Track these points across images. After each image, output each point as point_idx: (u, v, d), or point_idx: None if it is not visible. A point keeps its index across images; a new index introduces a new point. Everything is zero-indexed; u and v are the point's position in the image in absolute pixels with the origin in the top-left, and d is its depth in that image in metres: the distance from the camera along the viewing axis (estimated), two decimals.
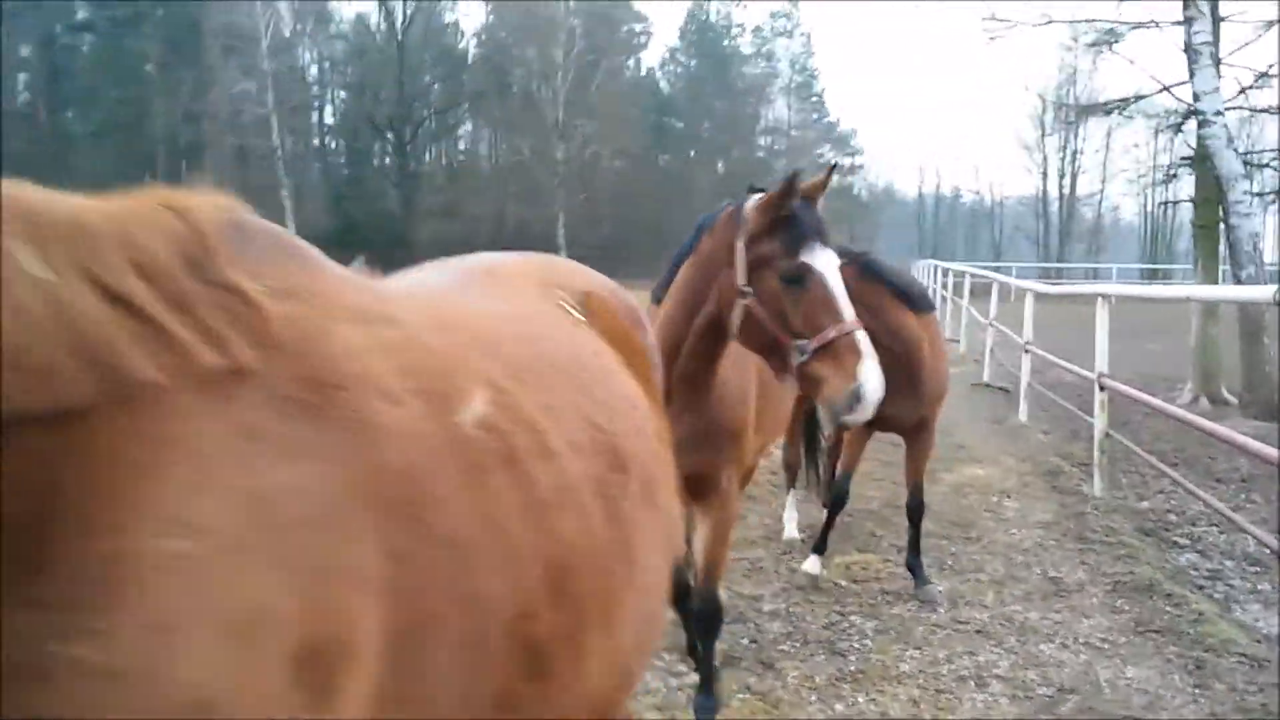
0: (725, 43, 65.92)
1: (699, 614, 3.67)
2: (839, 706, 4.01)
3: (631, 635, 1.65)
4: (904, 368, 4.89)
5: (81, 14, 63.73)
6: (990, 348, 13.63)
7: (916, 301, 5.09)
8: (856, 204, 66.20)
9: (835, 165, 3.73)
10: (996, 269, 33.25)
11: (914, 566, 5.36)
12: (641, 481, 1.69)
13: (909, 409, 5.15)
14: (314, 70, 64.05)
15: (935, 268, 26.01)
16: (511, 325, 1.67)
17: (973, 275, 18.38)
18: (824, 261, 3.02)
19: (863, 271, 4.69)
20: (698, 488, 3.44)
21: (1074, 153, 57.65)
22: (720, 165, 65.97)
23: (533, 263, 2.12)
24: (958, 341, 18.25)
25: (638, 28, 64.73)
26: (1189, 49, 10.65)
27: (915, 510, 5.43)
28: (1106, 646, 4.62)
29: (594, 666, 1.49)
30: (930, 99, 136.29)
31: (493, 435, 1.33)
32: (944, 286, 22.93)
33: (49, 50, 65.03)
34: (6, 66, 67.61)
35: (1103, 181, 58.12)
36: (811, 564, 5.55)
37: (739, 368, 3.48)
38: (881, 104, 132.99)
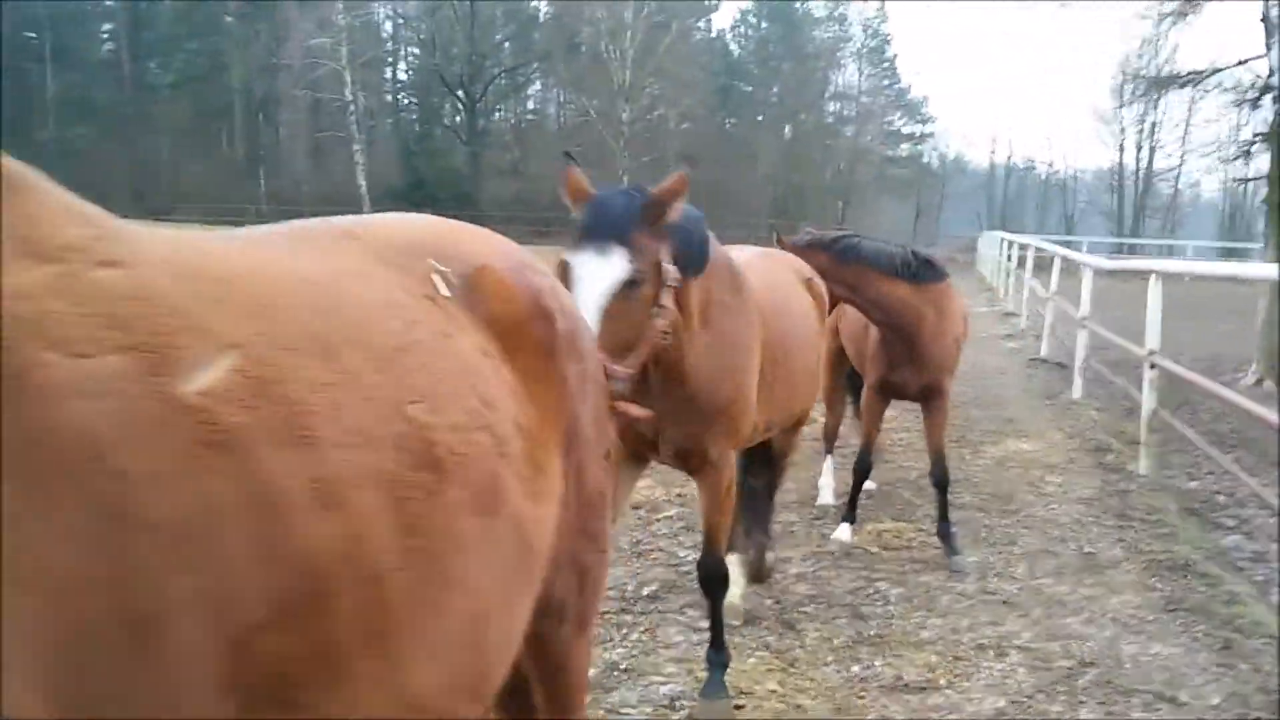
0: (797, 5, 64.82)
1: (703, 579, 3.75)
2: (855, 668, 4.07)
3: (438, 670, 1.39)
4: (901, 337, 5.25)
5: None
6: (1050, 323, 13.39)
7: (913, 272, 5.11)
8: (926, 173, 65.05)
9: (567, 153, 3.55)
10: (1068, 243, 32.49)
11: (945, 535, 5.38)
12: (473, 488, 1.45)
13: (911, 375, 5.38)
14: (388, 26, 64.57)
15: (1001, 240, 25.48)
16: (311, 288, 1.39)
17: (1036, 249, 17.99)
18: (577, 260, 3.02)
19: (838, 255, 5.03)
20: (687, 460, 3.62)
21: (1153, 125, 55.81)
22: (787, 130, 65.19)
23: (416, 226, 1.84)
24: (1018, 316, 17.96)
25: None
26: (1266, 21, 10.28)
27: (940, 479, 5.45)
28: (1134, 622, 4.60)
29: (370, 701, 1.24)
30: (1005, 66, 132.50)
31: (224, 409, 1.10)
32: (1008, 259, 22.50)
33: (132, 0, 66.40)
34: (92, 14, 69.34)
35: (1181, 156, 56.25)
36: (842, 531, 5.61)
37: (730, 346, 3.46)
38: (954, 70, 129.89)
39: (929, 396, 5.52)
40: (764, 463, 4.65)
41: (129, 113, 64.20)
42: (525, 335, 1.75)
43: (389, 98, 67.05)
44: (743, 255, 4.13)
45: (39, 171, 1.19)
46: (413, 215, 1.93)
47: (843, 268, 5.03)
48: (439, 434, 1.41)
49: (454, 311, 1.62)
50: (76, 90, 65.12)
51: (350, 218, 1.80)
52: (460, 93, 57.05)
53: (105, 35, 68.73)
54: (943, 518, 5.42)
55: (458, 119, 60.20)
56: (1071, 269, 14.22)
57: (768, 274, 4.05)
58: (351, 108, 51.74)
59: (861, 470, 5.73)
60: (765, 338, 3.63)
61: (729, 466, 3.60)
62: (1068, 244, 24.18)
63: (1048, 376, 11.97)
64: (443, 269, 1.66)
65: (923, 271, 5.19)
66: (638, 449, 3.60)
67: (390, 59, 66.82)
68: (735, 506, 4.59)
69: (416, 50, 64.20)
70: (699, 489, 3.77)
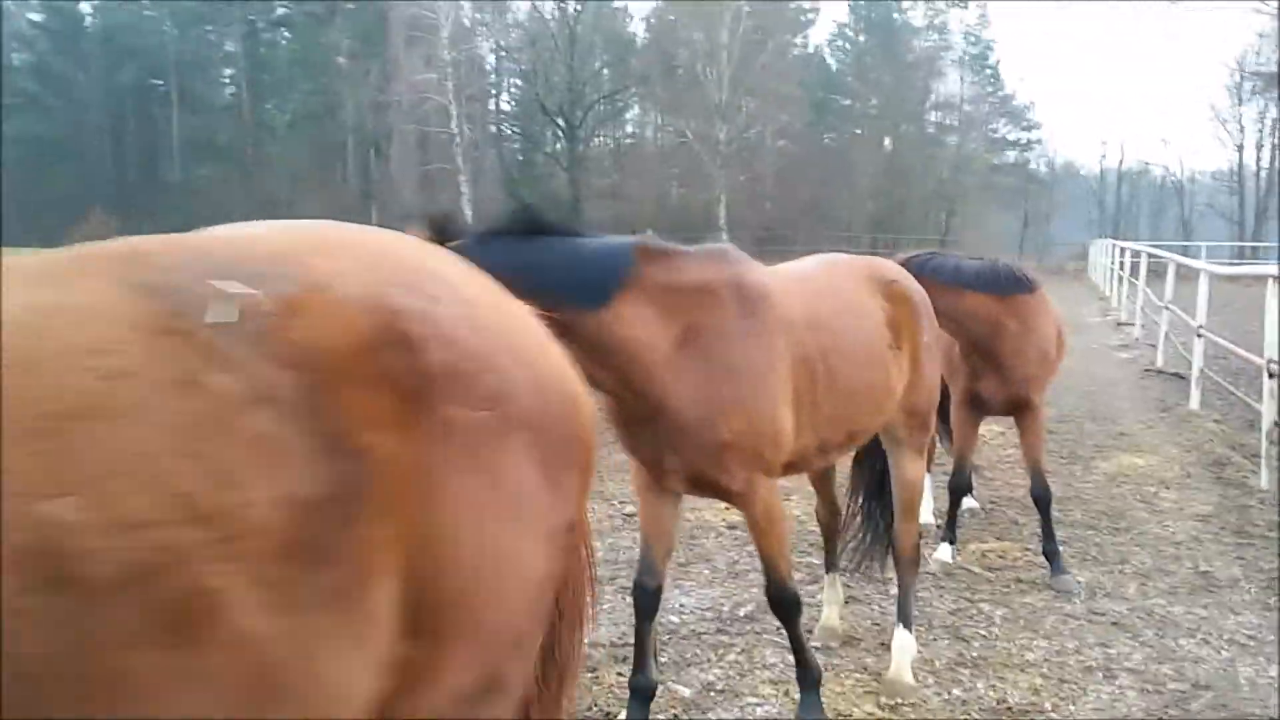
0: (896, 15, 64.04)
1: (771, 604, 3.62)
2: (956, 691, 4.02)
3: None
4: (979, 348, 5.24)
5: (280, 9, 67.87)
6: (1165, 332, 12.90)
7: (991, 284, 5.07)
8: (1033, 180, 63.27)
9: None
10: (1184, 249, 31.17)
11: (1050, 555, 5.27)
12: (152, 612, 1.09)
13: (995, 388, 5.32)
14: (491, 59, 66.27)
15: (1112, 246, 24.62)
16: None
17: (1150, 255, 17.34)
18: None
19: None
20: (704, 490, 3.50)
21: (1274, 123, 53.10)
22: (887, 142, 64.31)
23: (254, 238, 1.54)
24: (1132, 325, 17.33)
25: (806, 4, 63.78)
26: None
27: (1040, 495, 5.34)
28: (1252, 644, 4.43)
29: None
30: (1115, 67, 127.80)
31: None
32: (1120, 266, 21.73)
33: (252, 45, 69.73)
34: (214, 60, 72.93)
35: None
36: (943, 552, 5.54)
37: (730, 374, 3.23)
38: (1061, 74, 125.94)
39: (1018, 411, 5.44)
40: (878, 485, 4.61)
41: (249, 152, 67.34)
42: (361, 370, 1.33)
43: (492, 128, 68.69)
44: (803, 265, 4.10)
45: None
46: (283, 224, 1.67)
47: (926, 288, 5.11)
48: (90, 539, 1.05)
49: (223, 347, 1.24)
50: (201, 132, 68.64)
51: (160, 238, 1.45)
52: (560, 120, 58.12)
53: (226, 79, 72.29)
54: (1048, 536, 5.31)
55: (558, 146, 61.33)
56: (1187, 275, 13.70)
57: (821, 282, 3.86)
58: (457, 140, 53.22)
59: (957, 489, 5.65)
60: (802, 354, 3.43)
61: (760, 496, 3.41)
62: (1184, 249, 23.20)
63: (1163, 387, 11.53)
64: (240, 291, 1.29)
65: (1003, 283, 5.13)
66: (656, 478, 3.48)
67: (493, 90, 68.53)
68: (841, 525, 4.62)
69: (518, 81, 65.68)
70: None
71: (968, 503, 6.51)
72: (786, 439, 3.39)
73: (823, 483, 4.75)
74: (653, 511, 3.59)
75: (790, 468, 3.65)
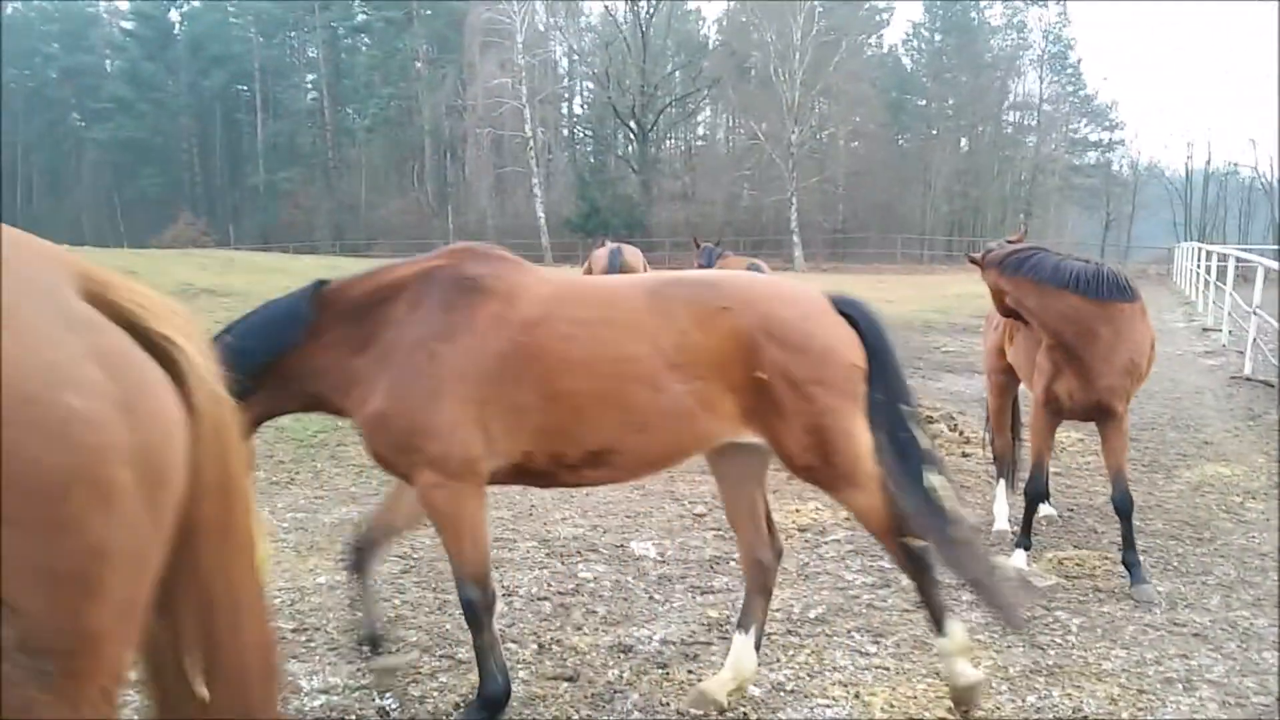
0: (973, 15, 62.96)
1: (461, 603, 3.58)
2: (1030, 699, 3.98)
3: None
4: (1066, 350, 5.14)
5: (360, 16, 69.32)
6: (1253, 338, 12.50)
7: (1094, 289, 4.97)
8: (1115, 182, 61.63)
9: None
10: (1276, 252, 30.09)
11: (1130, 564, 5.16)
12: None
13: (1077, 390, 5.19)
14: (564, 63, 66.89)
15: (1198, 250, 23.90)
16: None
17: (1239, 259, 16.81)
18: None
19: (1006, 268, 5.25)
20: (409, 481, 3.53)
21: None
22: (964, 143, 63.25)
23: None
24: (1219, 331, 16.81)
25: (880, 4, 63.08)
26: None
27: (1122, 503, 5.21)
28: None
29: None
30: (1201, 65, 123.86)
31: None
32: (1206, 271, 21.09)
33: (332, 51, 71.34)
34: (297, 66, 74.75)
35: None
36: (1017, 558, 5.45)
37: (403, 370, 3.38)
38: (1146, 72, 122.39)
39: (1101, 417, 5.31)
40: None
41: (329, 156, 68.91)
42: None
43: (565, 131, 69.34)
44: (624, 277, 4.23)
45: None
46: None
47: (1008, 280, 5.22)
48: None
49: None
50: (283, 137, 70.50)
51: None
52: (632, 123, 58.35)
53: (309, 85, 74.07)
54: (1128, 545, 5.20)
55: (630, 148, 61.59)
56: (1277, 280, 13.26)
57: (596, 293, 3.63)
58: (531, 143, 53.81)
59: (1033, 495, 5.53)
60: (514, 356, 3.31)
61: (429, 491, 3.35)
62: (1276, 254, 22.39)
63: (1251, 395, 11.17)
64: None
65: (1105, 288, 5.04)
66: None
67: (566, 94, 69.19)
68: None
69: (591, 84, 66.17)
70: None
71: (1045, 509, 6.41)
72: (446, 436, 3.27)
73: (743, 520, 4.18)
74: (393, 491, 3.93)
75: (517, 476, 3.52)
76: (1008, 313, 5.54)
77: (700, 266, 12.12)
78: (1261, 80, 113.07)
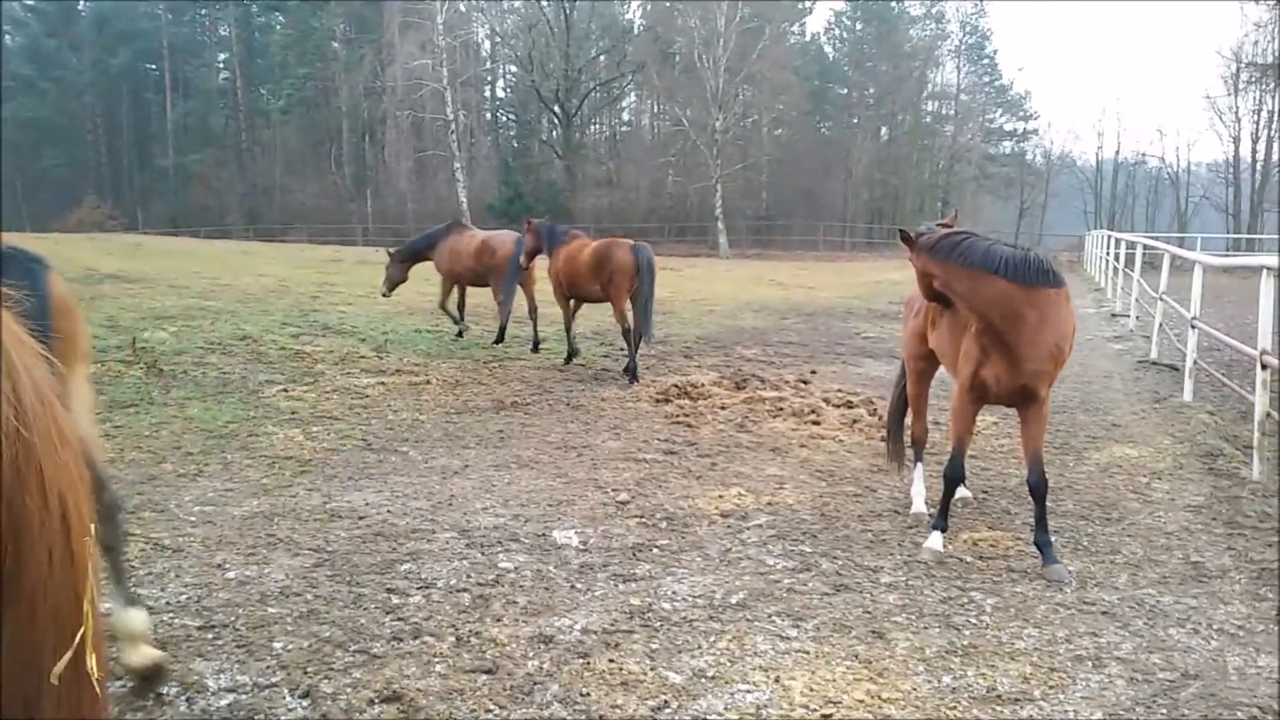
0: (893, 5, 63.90)
1: None
2: (946, 679, 4.02)
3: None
4: (994, 334, 5.19)
5: None
6: (1159, 323, 12.92)
7: (1022, 275, 5.05)
8: (1029, 171, 63.29)
9: None
10: (1180, 240, 31.18)
11: (1042, 545, 5.27)
12: None
13: (1004, 374, 5.25)
14: (486, 45, 66.09)
15: (1107, 238, 24.65)
16: None
17: (1146, 246, 17.35)
18: None
19: (936, 252, 5.30)
20: None
21: (1270, 114, 53.01)
22: (884, 131, 64.29)
23: None
24: (1126, 317, 17.36)
25: None
26: None
27: (1036, 486, 5.32)
28: (1242, 634, 4.44)
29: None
30: (1112, 58, 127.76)
31: None
32: (1115, 258, 21.77)
33: (245, 30, 69.32)
34: (207, 45, 72.53)
35: None
36: (934, 540, 5.53)
37: None
38: (1059, 64, 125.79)
39: (1024, 401, 5.39)
40: None
41: (242, 138, 67.06)
42: None
43: (488, 115, 68.56)
44: None
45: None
46: None
47: (938, 263, 5.27)
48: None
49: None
50: (194, 118, 68.41)
51: None
52: (556, 107, 57.97)
53: (220, 64, 71.93)
54: (1040, 526, 5.30)
55: (554, 133, 61.20)
56: (1182, 267, 13.71)
57: None
58: (452, 126, 53.05)
59: (951, 478, 5.62)
60: None
61: None
62: (1180, 241, 23.21)
63: (1157, 379, 11.56)
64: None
65: (1032, 274, 5.10)
66: None
67: (489, 77, 68.39)
68: None
69: (514, 68, 65.51)
70: None
71: (961, 492, 6.52)
72: None
73: None
74: None
75: None
76: (934, 296, 5.57)
77: (531, 247, 12.04)
78: (1168, 73, 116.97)
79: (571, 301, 11.91)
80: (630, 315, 11.10)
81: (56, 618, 1.45)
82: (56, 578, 1.45)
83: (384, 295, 14.66)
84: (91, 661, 1.54)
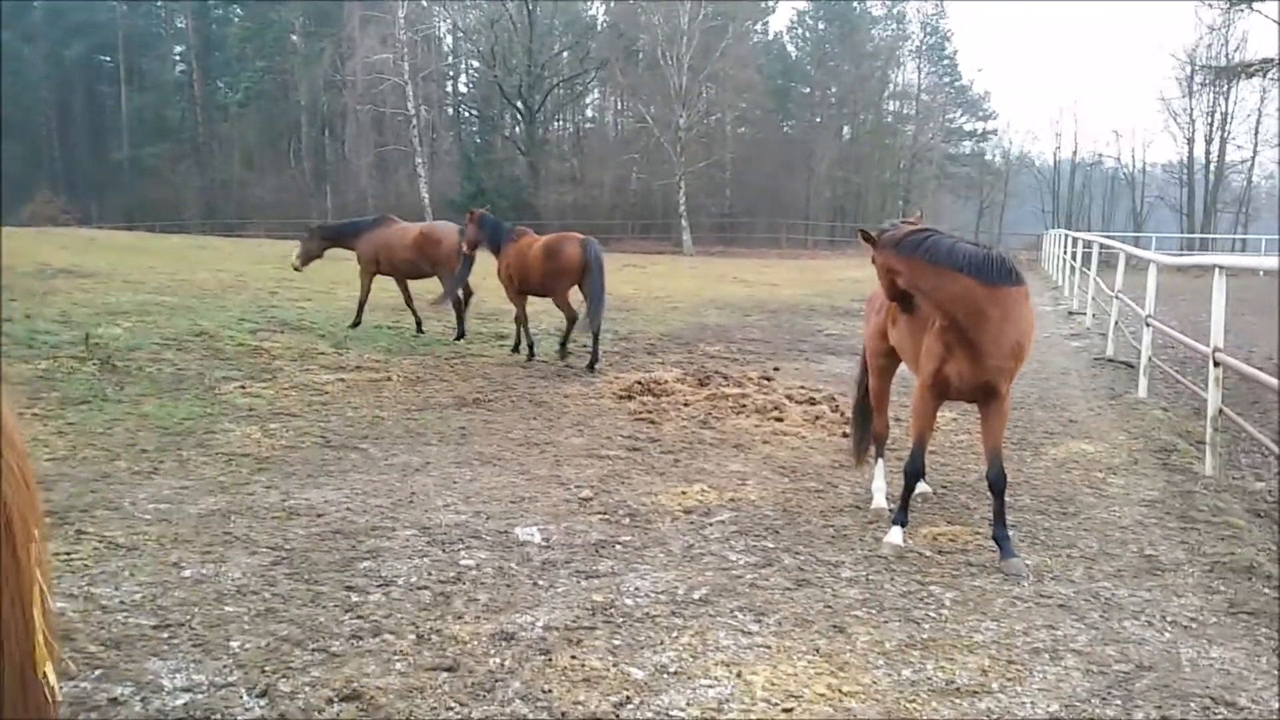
0: (855, 5, 64.33)
1: None
2: (906, 672, 4.06)
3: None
4: (958, 332, 5.20)
5: None
6: (1115, 321, 13.13)
7: (985, 273, 5.07)
8: (988, 171, 64.02)
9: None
10: (1135, 240, 31.69)
11: (1000, 539, 5.32)
12: None
13: (966, 371, 5.28)
14: (448, 40, 65.64)
15: (1065, 237, 25.01)
16: None
17: (1102, 245, 17.63)
18: None
19: (901, 249, 5.30)
20: None
21: (1223, 116, 54.06)
22: (846, 130, 64.71)
23: None
24: (1083, 314, 17.62)
25: None
26: None
27: (996, 481, 5.37)
28: (1194, 626, 4.52)
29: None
30: (1070, 60, 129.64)
31: None
32: (1073, 257, 22.10)
33: (202, 22, 68.26)
34: (164, 37, 71.35)
35: (1254, 147, 54.40)
36: (894, 535, 5.57)
37: None
38: (1017, 65, 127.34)
39: (985, 397, 5.43)
40: None
41: (199, 131, 66.06)
42: None
43: (450, 110, 68.08)
44: None
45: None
46: None
47: (903, 260, 5.26)
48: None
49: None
50: (150, 110, 67.27)
51: None
52: (519, 103, 57.70)
53: (177, 57, 70.82)
54: (999, 521, 5.36)
55: (517, 129, 60.92)
56: (1137, 266, 13.93)
57: None
58: (414, 121, 52.66)
59: (912, 473, 5.66)
60: None
61: None
62: (1136, 240, 23.60)
63: (1112, 376, 11.75)
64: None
65: (994, 272, 5.12)
66: None
67: (451, 72, 67.93)
68: None
69: (476, 63, 65.14)
70: None
71: (921, 487, 6.58)
72: None
73: None
74: None
75: None
76: (897, 295, 5.59)
77: (473, 236, 12.08)
78: (1125, 75, 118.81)
79: (523, 297, 12.02)
80: (583, 307, 11.44)
81: None
82: None
83: (296, 269, 14.52)
84: (45, 669, 1.51)
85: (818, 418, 8.98)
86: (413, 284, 13.98)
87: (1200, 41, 52.17)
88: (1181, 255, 17.62)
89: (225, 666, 3.87)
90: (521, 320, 12.07)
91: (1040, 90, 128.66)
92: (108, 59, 69.46)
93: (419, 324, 13.68)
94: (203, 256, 17.58)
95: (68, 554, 4.96)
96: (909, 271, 5.27)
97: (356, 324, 13.60)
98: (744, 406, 9.29)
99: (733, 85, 54.68)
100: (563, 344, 11.88)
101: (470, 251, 12.26)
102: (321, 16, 60.14)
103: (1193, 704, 3.80)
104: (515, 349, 12.21)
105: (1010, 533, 5.42)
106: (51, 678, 1.52)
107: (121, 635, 4.10)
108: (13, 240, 23.65)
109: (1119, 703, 3.81)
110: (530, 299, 12.00)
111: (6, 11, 65.95)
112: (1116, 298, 12.93)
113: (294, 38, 61.74)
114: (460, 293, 13.09)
